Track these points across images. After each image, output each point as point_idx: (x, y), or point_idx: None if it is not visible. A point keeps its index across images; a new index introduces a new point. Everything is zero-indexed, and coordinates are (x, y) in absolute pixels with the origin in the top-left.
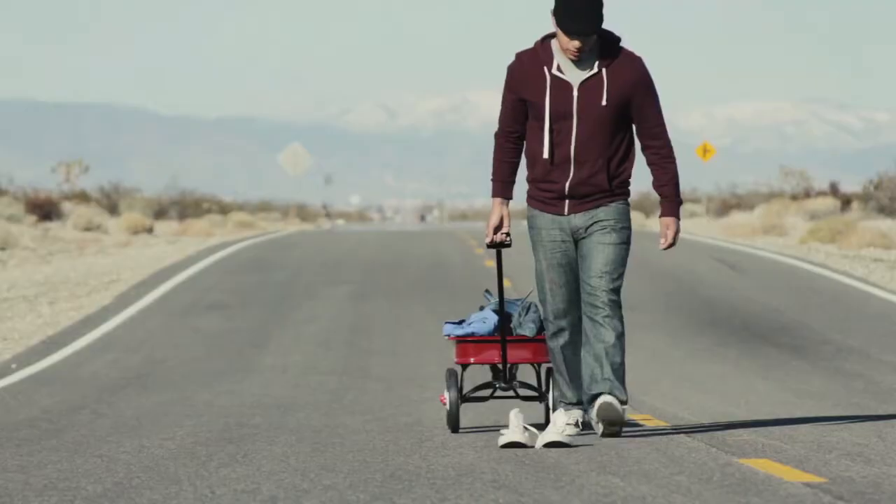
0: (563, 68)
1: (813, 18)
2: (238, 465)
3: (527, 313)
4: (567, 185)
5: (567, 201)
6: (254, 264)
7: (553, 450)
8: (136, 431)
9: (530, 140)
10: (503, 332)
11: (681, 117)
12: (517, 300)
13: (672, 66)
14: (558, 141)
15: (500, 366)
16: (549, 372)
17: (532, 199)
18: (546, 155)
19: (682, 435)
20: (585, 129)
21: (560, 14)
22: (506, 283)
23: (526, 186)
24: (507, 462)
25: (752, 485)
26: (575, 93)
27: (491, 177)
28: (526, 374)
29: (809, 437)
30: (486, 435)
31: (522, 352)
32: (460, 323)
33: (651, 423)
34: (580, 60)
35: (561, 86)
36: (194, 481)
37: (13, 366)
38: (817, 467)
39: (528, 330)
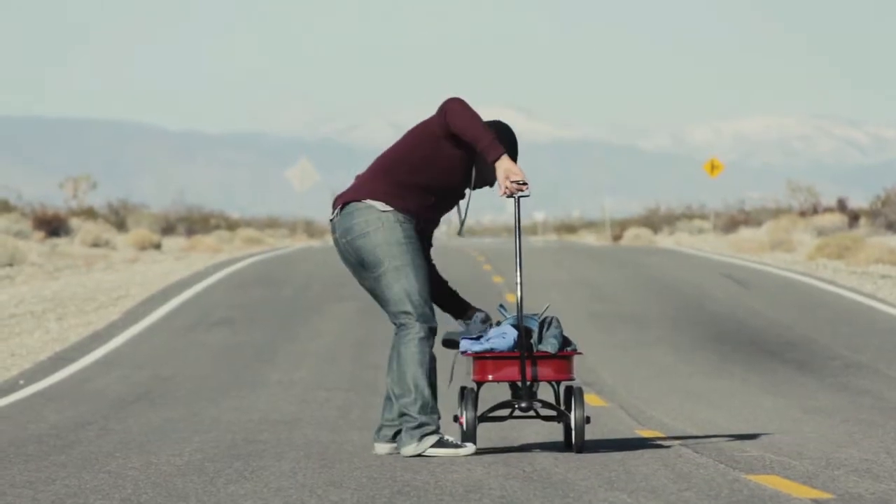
0: None
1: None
2: (246, 481)
3: (548, 328)
4: None
5: None
6: (261, 280)
7: (561, 465)
8: (143, 447)
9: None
10: (523, 348)
11: (688, 132)
12: (534, 315)
13: (679, 80)
14: None
15: (519, 384)
16: (569, 391)
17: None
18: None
19: (689, 451)
20: None
21: None
22: (510, 298)
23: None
24: (516, 478)
25: (760, 501)
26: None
27: (488, 137)
28: (543, 392)
29: (817, 453)
30: (494, 451)
31: (544, 369)
32: (478, 338)
33: (659, 439)
34: None
35: None
36: (202, 497)
37: (21, 381)
38: (825, 483)
39: (549, 346)
